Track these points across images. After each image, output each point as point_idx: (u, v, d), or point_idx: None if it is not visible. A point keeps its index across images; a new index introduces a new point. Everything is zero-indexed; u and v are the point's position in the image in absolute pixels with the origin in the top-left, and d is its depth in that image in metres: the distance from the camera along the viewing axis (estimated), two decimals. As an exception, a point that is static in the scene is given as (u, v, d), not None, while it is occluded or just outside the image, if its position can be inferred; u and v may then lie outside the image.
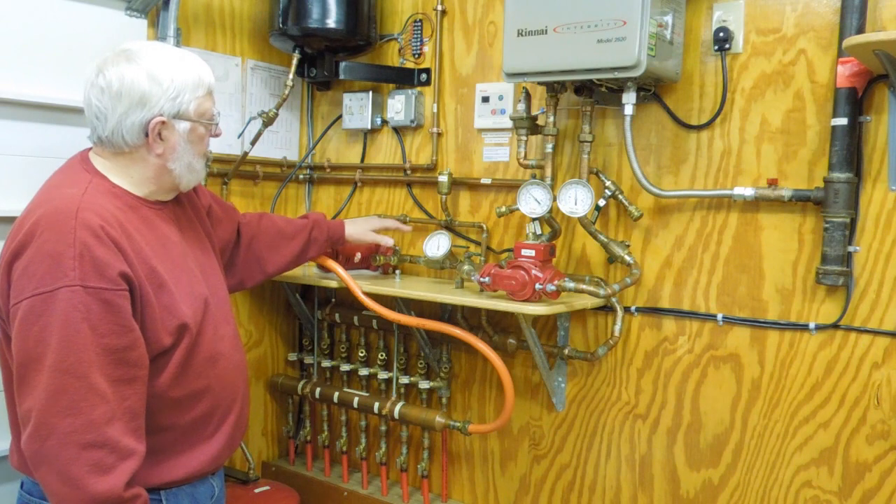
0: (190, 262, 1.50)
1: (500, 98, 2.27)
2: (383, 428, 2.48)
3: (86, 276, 1.26)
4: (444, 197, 2.30)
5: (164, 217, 1.49)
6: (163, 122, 1.39)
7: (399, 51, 2.51)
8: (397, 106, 2.45)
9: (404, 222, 2.49)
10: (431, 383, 2.40)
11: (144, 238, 1.39)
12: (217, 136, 1.53)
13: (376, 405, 2.40)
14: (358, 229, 2.14)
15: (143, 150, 1.42)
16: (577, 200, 1.95)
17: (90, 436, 1.25)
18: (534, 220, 2.01)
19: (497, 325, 2.29)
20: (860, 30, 1.70)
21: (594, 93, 2.01)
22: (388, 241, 2.22)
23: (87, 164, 1.44)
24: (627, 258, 2.00)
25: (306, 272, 2.44)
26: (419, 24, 2.45)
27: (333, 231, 2.09)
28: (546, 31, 1.86)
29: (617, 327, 2.03)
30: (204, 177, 1.56)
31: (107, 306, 1.27)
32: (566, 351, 2.16)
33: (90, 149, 1.48)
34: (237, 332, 1.62)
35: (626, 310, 2.08)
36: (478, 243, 2.32)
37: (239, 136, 2.51)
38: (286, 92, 2.43)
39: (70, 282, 1.25)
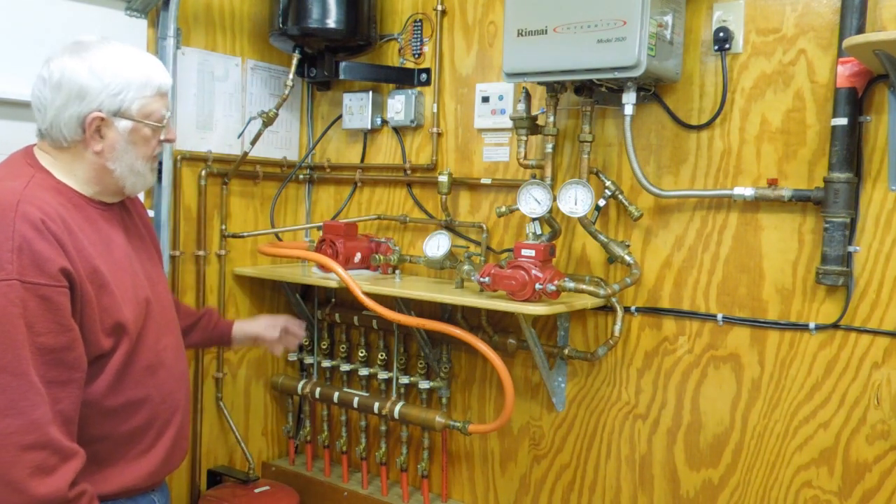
0: (135, 265, 1.45)
1: (500, 98, 2.27)
2: (383, 428, 2.48)
3: (24, 271, 1.21)
4: (444, 197, 2.30)
5: (108, 219, 1.43)
6: (101, 119, 1.35)
7: (399, 51, 2.51)
8: (397, 106, 2.45)
9: (404, 223, 2.50)
10: (431, 383, 2.40)
11: (88, 237, 1.34)
12: (170, 140, 1.47)
13: (376, 405, 2.41)
14: (246, 324, 1.95)
15: (81, 147, 1.37)
16: (577, 200, 1.95)
17: (31, 437, 1.20)
18: (534, 220, 2.01)
19: (497, 325, 2.29)
20: (860, 30, 1.70)
21: (594, 93, 2.01)
22: (272, 336, 1.96)
23: (31, 158, 1.40)
24: (627, 258, 2.00)
25: (306, 272, 2.44)
26: (419, 24, 2.45)
27: (222, 325, 1.91)
28: (546, 31, 1.86)
29: (617, 327, 2.03)
30: (153, 181, 1.51)
31: (45, 303, 1.22)
32: (566, 351, 2.16)
33: (35, 144, 1.43)
34: (181, 342, 1.56)
35: (626, 310, 2.08)
36: (478, 243, 2.32)
37: (239, 136, 2.51)
38: (286, 92, 2.43)
39: (7, 276, 1.20)
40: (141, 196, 2.19)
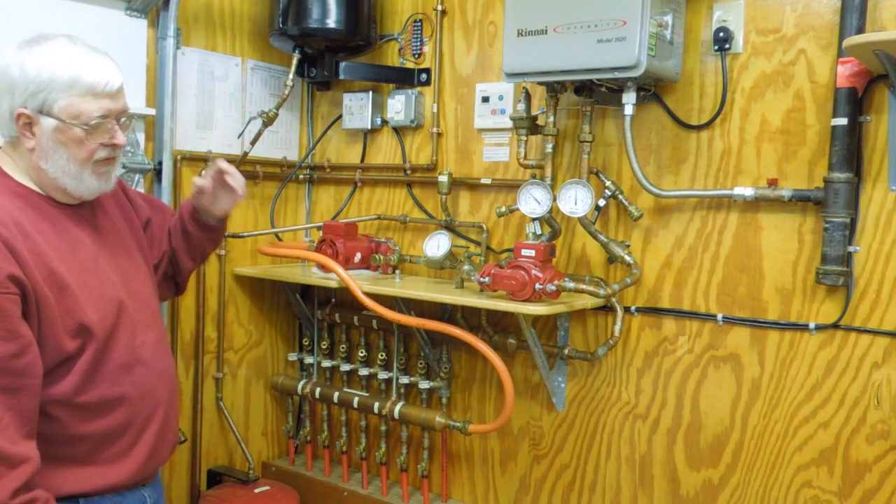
0: (103, 265, 1.43)
1: (500, 98, 2.27)
2: (383, 428, 2.48)
3: None
4: (444, 197, 2.30)
5: (74, 219, 1.41)
6: (27, 116, 1.32)
7: (399, 51, 2.51)
8: (397, 106, 2.45)
9: (404, 223, 2.50)
10: (431, 383, 2.40)
11: (47, 239, 1.33)
12: (116, 145, 1.39)
13: (376, 405, 2.41)
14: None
15: (20, 143, 1.35)
16: (577, 200, 1.95)
17: None
18: (534, 220, 2.01)
19: (497, 325, 2.29)
20: (860, 30, 1.70)
21: (594, 93, 2.01)
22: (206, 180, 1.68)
23: None
24: (627, 258, 2.00)
25: (306, 272, 2.45)
26: (419, 24, 2.45)
27: (189, 203, 1.74)
28: (546, 31, 1.86)
29: (617, 327, 2.03)
30: (105, 186, 1.42)
31: None
32: (566, 351, 2.16)
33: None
34: (163, 337, 1.54)
35: (626, 310, 2.08)
36: (478, 243, 2.32)
37: (239, 136, 2.51)
38: (286, 92, 2.43)
39: None
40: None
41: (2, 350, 1.22)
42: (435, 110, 2.42)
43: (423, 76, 2.44)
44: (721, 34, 1.89)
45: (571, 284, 1.90)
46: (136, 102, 2.18)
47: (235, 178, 1.65)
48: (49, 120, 1.33)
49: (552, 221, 2.09)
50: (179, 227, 1.72)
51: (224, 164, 1.63)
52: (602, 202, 2.03)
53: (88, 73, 1.33)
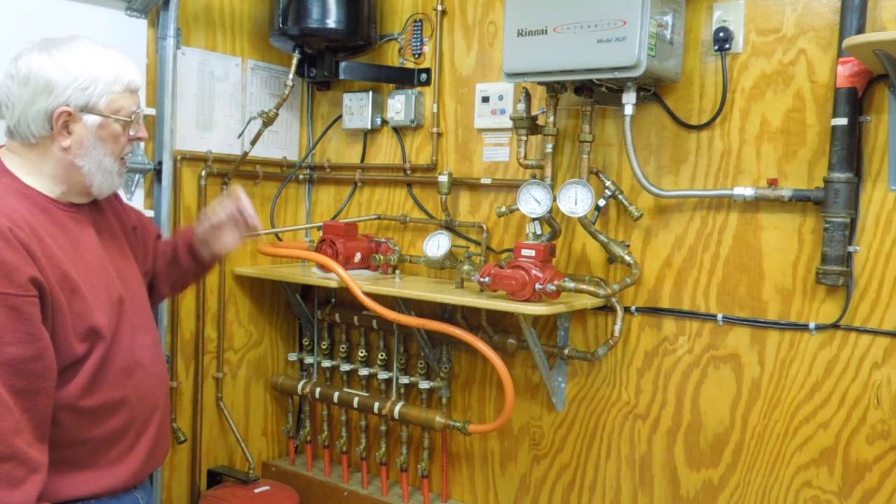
0: (107, 265, 1.44)
1: (500, 98, 2.28)
2: (383, 428, 2.48)
3: None
4: (444, 197, 2.30)
5: (78, 220, 1.42)
6: (69, 113, 1.33)
7: (399, 51, 2.51)
8: (397, 106, 2.45)
9: (404, 223, 2.50)
10: (431, 383, 2.40)
11: (57, 242, 1.33)
12: (140, 139, 1.45)
13: (376, 405, 2.41)
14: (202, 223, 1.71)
15: (49, 142, 1.35)
16: (577, 200, 1.95)
17: (0, 448, 1.18)
18: (534, 220, 2.01)
19: (497, 325, 2.29)
20: (860, 30, 1.70)
21: (594, 93, 2.01)
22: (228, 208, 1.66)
23: None
24: (627, 258, 2.00)
25: (306, 272, 2.45)
26: (419, 24, 2.45)
27: (189, 232, 1.75)
28: (546, 31, 1.86)
29: (617, 327, 2.03)
30: (121, 183, 1.47)
31: (14, 313, 1.21)
32: (566, 351, 2.16)
33: (2, 146, 1.42)
34: (158, 341, 1.55)
35: (626, 310, 2.08)
36: (478, 243, 2.32)
37: (239, 136, 2.51)
38: (286, 92, 2.43)
39: None
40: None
41: (23, 353, 1.22)
42: (435, 110, 2.42)
43: (423, 76, 2.44)
44: (721, 34, 1.89)
45: (571, 284, 1.90)
46: (136, 102, 2.18)
47: (252, 218, 1.65)
48: (92, 116, 1.36)
49: (552, 221, 2.09)
50: (170, 254, 1.72)
51: (245, 202, 1.62)
52: (602, 202, 2.03)
53: (125, 71, 1.40)
